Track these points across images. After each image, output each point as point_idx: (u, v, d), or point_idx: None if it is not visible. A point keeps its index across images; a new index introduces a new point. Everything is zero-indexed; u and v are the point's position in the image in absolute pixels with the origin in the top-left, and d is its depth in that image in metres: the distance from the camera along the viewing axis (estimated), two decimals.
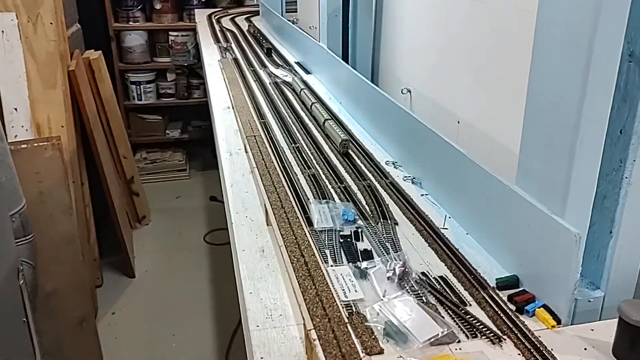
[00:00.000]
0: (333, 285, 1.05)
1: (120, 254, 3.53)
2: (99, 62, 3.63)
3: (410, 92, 2.10)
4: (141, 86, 4.50)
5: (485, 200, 1.20)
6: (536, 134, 1.04)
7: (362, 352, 0.87)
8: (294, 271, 1.05)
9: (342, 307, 0.97)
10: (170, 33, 4.46)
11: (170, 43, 4.48)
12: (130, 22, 4.38)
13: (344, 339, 0.87)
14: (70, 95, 3.10)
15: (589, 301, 1.06)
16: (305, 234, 1.18)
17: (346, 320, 0.92)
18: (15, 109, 2.84)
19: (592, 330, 0.98)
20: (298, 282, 1.01)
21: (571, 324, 1.02)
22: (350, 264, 1.15)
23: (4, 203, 2.09)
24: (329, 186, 1.50)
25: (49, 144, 2.66)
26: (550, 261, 1.01)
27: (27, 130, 2.87)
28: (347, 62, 2.44)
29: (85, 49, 3.74)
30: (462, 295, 1.07)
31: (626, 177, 1.00)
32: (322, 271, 1.05)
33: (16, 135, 2.83)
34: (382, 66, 2.36)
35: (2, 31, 2.80)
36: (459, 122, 1.76)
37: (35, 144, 2.64)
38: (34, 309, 2.70)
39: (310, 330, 0.89)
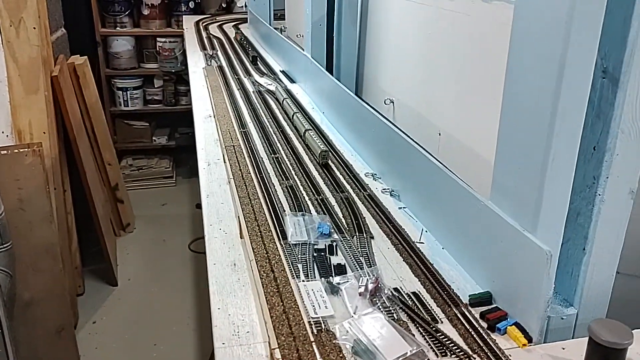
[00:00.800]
0: (303, 302, 1.03)
1: (103, 262, 3.49)
2: (84, 67, 3.60)
3: (393, 102, 2.09)
4: (128, 92, 4.47)
5: (461, 215, 1.19)
6: (509, 149, 1.03)
7: None
8: (263, 287, 1.03)
9: (310, 325, 0.95)
10: (158, 39, 4.44)
11: (157, 49, 4.46)
12: (118, 28, 4.35)
13: (308, 359, 0.85)
14: (54, 101, 3.07)
15: (562, 318, 1.05)
16: (277, 247, 1.16)
17: (312, 339, 0.90)
18: None
19: (564, 349, 0.96)
20: (266, 298, 0.99)
21: (544, 342, 1.01)
22: (323, 278, 1.13)
23: None
24: (306, 198, 1.48)
25: (29, 151, 2.62)
26: (522, 278, 1.00)
27: (7, 136, 2.84)
28: (331, 72, 2.43)
29: (71, 54, 3.71)
30: (434, 312, 1.05)
31: (599, 194, 0.99)
32: (291, 287, 1.03)
33: None
34: (367, 76, 2.35)
35: None
36: (440, 134, 1.75)
37: (16, 151, 2.61)
38: (11, 317, 2.66)
39: (274, 349, 0.87)
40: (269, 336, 0.91)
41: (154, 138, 4.66)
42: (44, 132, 2.94)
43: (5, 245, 2.47)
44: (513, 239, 1.01)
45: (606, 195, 0.98)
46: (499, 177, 1.06)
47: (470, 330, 1.00)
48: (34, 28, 2.90)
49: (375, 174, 1.62)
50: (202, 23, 4.16)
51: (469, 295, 1.08)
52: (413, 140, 1.92)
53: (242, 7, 4.71)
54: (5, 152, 2.58)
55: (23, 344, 2.68)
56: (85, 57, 3.67)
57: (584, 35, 0.86)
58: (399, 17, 2.00)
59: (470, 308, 1.06)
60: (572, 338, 1.05)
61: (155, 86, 4.58)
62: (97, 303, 3.34)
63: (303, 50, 2.50)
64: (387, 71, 2.15)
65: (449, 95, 1.68)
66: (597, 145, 0.98)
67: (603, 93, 0.96)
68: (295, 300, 1.00)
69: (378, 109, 2.22)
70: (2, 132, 2.84)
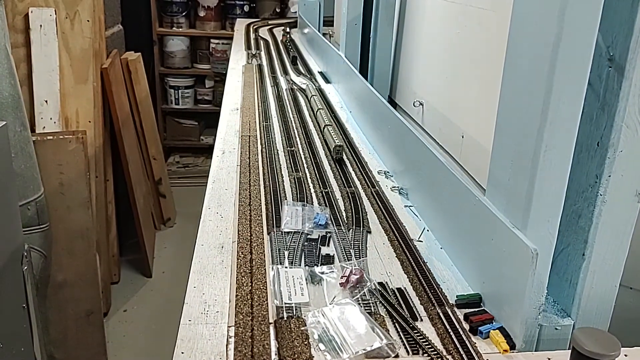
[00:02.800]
0: (280, 287, 1.00)
1: (140, 252, 3.57)
2: (137, 63, 3.71)
3: (422, 105, 2.03)
4: (179, 91, 4.58)
5: (459, 212, 1.12)
6: (504, 138, 0.96)
7: (275, 354, 0.81)
8: (237, 267, 1.00)
9: (275, 308, 0.92)
10: (212, 40, 4.53)
11: (211, 50, 4.55)
12: (174, 28, 4.48)
13: (261, 339, 0.82)
14: (102, 93, 3.17)
15: (556, 329, 0.96)
16: (262, 232, 1.13)
17: (270, 321, 0.86)
18: (46, 101, 2.92)
19: (549, 359, 0.88)
20: (236, 278, 0.96)
21: (535, 351, 0.93)
22: (307, 267, 1.10)
23: (15, 190, 2.13)
24: (312, 190, 1.45)
25: (73, 137, 2.71)
26: (509, 280, 0.92)
27: (55, 122, 2.95)
28: (366, 72, 2.40)
29: (128, 51, 3.83)
30: (417, 309, 0.99)
31: (601, 195, 0.91)
32: (265, 270, 0.99)
33: (44, 127, 2.91)
34: (401, 78, 2.30)
35: (41, 25, 2.90)
36: (462, 136, 1.68)
37: (61, 137, 2.70)
38: (44, 297, 2.73)
39: (230, 327, 0.83)
40: (229, 315, 0.88)
41: (202, 137, 4.75)
42: (90, 121, 3.04)
43: (42, 227, 2.56)
44: (503, 237, 0.94)
45: (608, 196, 0.90)
46: (494, 170, 1.00)
47: (450, 330, 0.93)
48: (88, 21, 3.01)
49: (388, 172, 1.57)
50: (253, 26, 4.21)
51: (457, 296, 1.02)
52: (434, 140, 1.87)
53: (296, 12, 4.74)
54: (50, 137, 2.68)
55: (53, 323, 2.76)
56: (139, 53, 3.79)
57: (580, 14, 0.79)
58: (430, 17, 1.95)
59: (455, 309, 0.99)
60: (567, 350, 0.97)
61: (206, 86, 4.67)
62: (130, 292, 3.40)
63: (338, 50, 2.47)
64: (419, 73, 2.10)
65: (473, 96, 1.62)
66: (601, 140, 0.90)
67: (609, 83, 0.88)
68: (266, 282, 0.97)
69: (409, 111, 2.17)
70: (51, 119, 2.96)
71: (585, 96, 0.86)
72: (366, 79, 2.24)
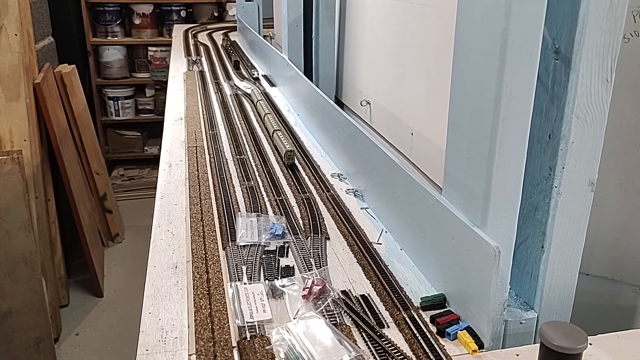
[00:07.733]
0: (240, 305, 0.96)
1: (89, 272, 3.43)
2: (71, 76, 3.57)
3: (369, 103, 2.02)
4: (119, 102, 4.44)
5: (416, 212, 1.11)
6: (458, 137, 0.95)
7: None
8: (193, 289, 0.95)
9: (241, 330, 0.88)
10: (150, 48, 4.41)
11: (149, 58, 4.42)
12: (109, 37, 4.33)
13: None
14: (36, 109, 3.03)
15: (521, 323, 0.96)
16: (217, 248, 1.09)
17: (233, 345, 0.82)
18: None
19: (517, 355, 0.88)
20: (194, 300, 0.92)
21: (502, 348, 0.93)
22: (267, 281, 1.06)
23: None
24: (266, 199, 1.41)
25: (8, 158, 2.58)
26: (472, 278, 0.92)
27: None
28: (311, 73, 2.37)
29: (62, 63, 3.68)
30: (382, 315, 0.97)
31: (555, 186, 0.91)
32: (223, 290, 0.95)
33: None
34: (346, 78, 2.29)
35: None
36: (412, 133, 1.68)
37: None
38: None
39: (191, 355, 0.79)
40: (188, 341, 0.84)
41: (145, 148, 4.62)
42: (25, 140, 2.89)
43: None
44: (463, 236, 0.93)
45: (563, 187, 0.90)
46: (449, 169, 0.99)
47: (418, 335, 0.92)
48: (16, 35, 2.87)
49: (342, 175, 1.55)
50: (192, 31, 4.12)
51: (421, 298, 1.00)
52: (384, 139, 1.86)
53: (234, 15, 4.67)
54: None
55: (0, 356, 2.62)
56: (73, 65, 3.64)
57: (526, 6, 0.79)
58: (371, 15, 1.94)
59: (421, 312, 0.98)
60: (534, 344, 0.97)
61: (147, 95, 4.54)
62: (82, 315, 3.27)
63: (281, 52, 2.44)
64: (364, 72, 2.09)
65: (420, 93, 1.61)
66: (552, 132, 0.91)
67: (556, 76, 0.89)
68: (225, 303, 0.92)
69: (356, 111, 2.16)
70: None
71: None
72: (311, 80, 2.22)
